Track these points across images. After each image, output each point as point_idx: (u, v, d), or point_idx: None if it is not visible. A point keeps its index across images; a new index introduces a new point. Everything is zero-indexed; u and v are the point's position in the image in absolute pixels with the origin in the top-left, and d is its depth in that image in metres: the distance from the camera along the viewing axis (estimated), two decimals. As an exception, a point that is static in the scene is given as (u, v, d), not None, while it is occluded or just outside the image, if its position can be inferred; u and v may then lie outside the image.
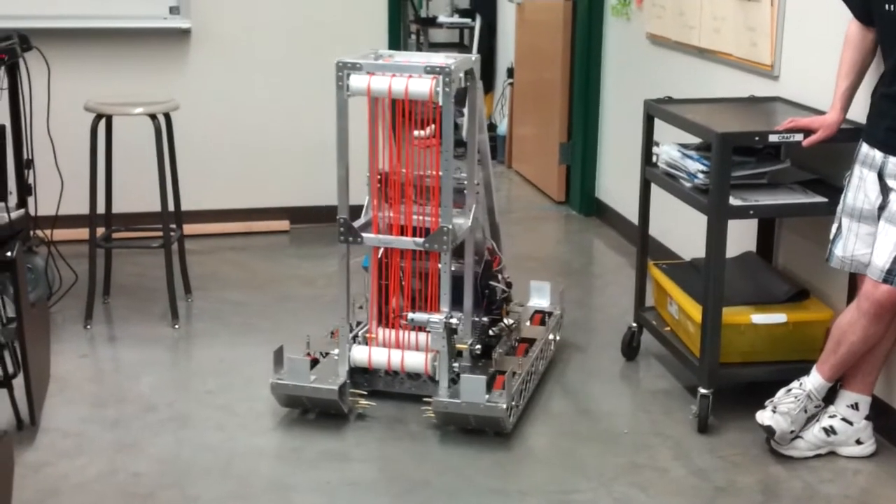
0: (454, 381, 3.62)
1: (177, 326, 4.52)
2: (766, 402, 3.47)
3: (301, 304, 4.73)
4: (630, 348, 4.22)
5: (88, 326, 4.50)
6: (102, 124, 4.50)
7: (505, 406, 3.47)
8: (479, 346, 3.76)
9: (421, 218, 3.70)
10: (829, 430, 3.44)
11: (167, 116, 4.57)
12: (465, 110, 3.70)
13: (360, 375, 3.76)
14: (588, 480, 3.34)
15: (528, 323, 4.21)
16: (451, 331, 3.60)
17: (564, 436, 3.64)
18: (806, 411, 3.43)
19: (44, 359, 3.82)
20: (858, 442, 3.45)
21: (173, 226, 4.68)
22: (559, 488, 3.29)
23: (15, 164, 4.61)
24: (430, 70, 3.45)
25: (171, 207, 4.60)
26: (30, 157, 4.63)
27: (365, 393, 3.72)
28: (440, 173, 3.56)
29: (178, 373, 4.23)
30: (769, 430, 3.42)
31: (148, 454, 3.47)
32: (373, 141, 3.63)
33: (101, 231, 4.65)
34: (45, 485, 3.27)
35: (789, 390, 3.46)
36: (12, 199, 4.58)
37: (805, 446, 3.45)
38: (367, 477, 3.36)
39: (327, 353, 3.82)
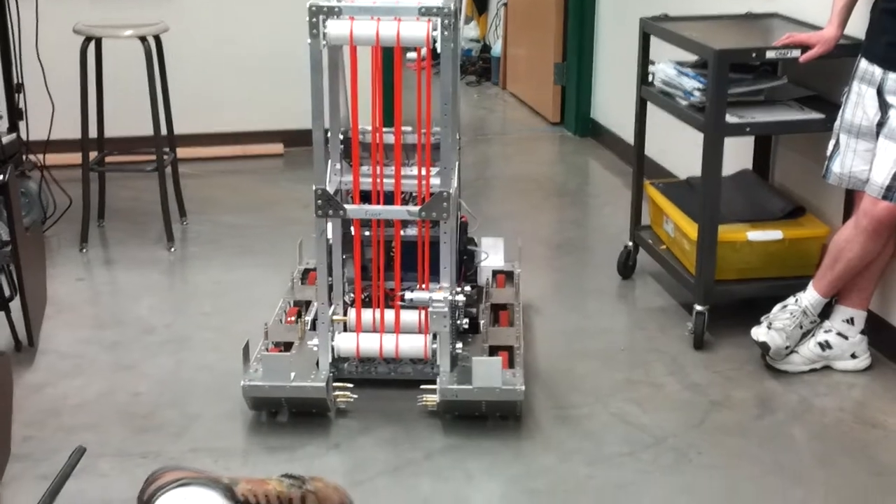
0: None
1: (172, 249, 4.52)
2: (762, 318, 3.49)
3: (297, 227, 4.71)
4: (626, 267, 4.23)
5: (84, 250, 4.49)
6: (92, 48, 4.45)
7: (524, 388, 3.11)
8: (466, 321, 3.38)
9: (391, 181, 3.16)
10: (825, 345, 3.46)
11: (157, 39, 4.52)
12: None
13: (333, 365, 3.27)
14: (585, 396, 3.36)
15: (493, 285, 3.79)
16: (454, 309, 3.21)
17: (562, 354, 3.66)
18: (801, 327, 3.45)
19: (40, 282, 3.82)
20: (853, 356, 3.48)
21: (166, 149, 4.65)
22: (557, 404, 3.31)
23: (5, 89, 4.59)
24: (426, 11, 2.94)
25: (163, 131, 4.57)
26: (20, 81, 4.59)
27: (350, 385, 3.24)
28: (440, 129, 3.04)
29: (175, 295, 4.24)
30: (764, 346, 3.44)
31: (147, 375, 3.49)
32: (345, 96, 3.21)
33: (93, 155, 4.63)
34: (45, 405, 3.29)
35: (785, 306, 3.48)
36: (3, 124, 4.56)
37: (800, 361, 3.47)
38: (362, 405, 3.35)
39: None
